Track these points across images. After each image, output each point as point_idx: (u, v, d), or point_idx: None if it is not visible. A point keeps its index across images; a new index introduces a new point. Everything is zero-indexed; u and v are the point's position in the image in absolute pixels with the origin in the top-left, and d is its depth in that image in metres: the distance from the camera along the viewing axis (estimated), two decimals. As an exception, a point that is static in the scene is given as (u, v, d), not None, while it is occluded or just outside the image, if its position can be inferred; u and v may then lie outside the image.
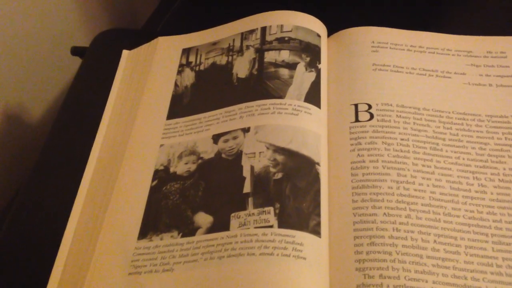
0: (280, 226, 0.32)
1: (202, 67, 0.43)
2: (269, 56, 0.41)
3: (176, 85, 0.42)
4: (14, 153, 0.55)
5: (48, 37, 0.56)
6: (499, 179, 0.35)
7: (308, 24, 0.42)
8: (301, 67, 0.40)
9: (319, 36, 0.42)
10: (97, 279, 0.33)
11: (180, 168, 0.37)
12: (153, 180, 0.37)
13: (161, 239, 0.34)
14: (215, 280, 0.31)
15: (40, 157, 0.42)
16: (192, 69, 0.43)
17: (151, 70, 0.44)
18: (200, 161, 0.37)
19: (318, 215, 0.33)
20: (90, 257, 0.34)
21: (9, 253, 0.36)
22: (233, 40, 0.43)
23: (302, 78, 0.39)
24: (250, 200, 0.34)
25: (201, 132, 0.39)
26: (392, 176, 0.35)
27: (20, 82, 0.54)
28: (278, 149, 0.36)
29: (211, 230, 0.33)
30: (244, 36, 0.43)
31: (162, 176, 0.37)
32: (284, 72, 0.40)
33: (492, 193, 0.34)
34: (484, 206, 0.34)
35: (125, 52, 0.46)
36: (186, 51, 0.44)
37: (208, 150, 0.37)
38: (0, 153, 0.53)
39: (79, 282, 0.33)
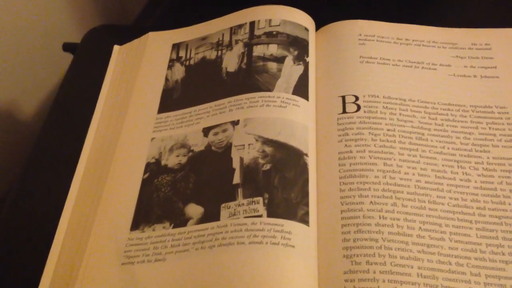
0: (269, 215, 0.33)
1: (192, 62, 0.44)
2: (258, 50, 0.42)
3: (166, 79, 0.43)
4: (6, 149, 0.55)
5: (39, 33, 0.56)
6: (483, 168, 0.36)
7: (296, 18, 0.43)
8: (289, 60, 0.41)
9: (307, 30, 0.43)
10: (91, 270, 0.33)
11: (171, 161, 0.38)
12: (144, 173, 0.37)
13: (153, 230, 0.34)
14: (206, 269, 0.31)
15: (32, 153, 0.42)
16: (182, 63, 0.44)
17: (142, 65, 0.44)
18: (190, 153, 0.38)
19: (306, 204, 0.34)
20: (83, 249, 0.34)
21: (3, 247, 0.37)
22: (222, 34, 0.44)
23: (290, 71, 0.40)
24: (240, 191, 0.34)
25: (191, 126, 0.39)
26: (379, 166, 0.35)
27: (12, 78, 0.54)
28: (267, 141, 0.36)
29: (202, 220, 0.34)
30: (233, 30, 0.44)
31: (154, 169, 0.37)
32: (272, 65, 0.41)
33: (476, 181, 0.35)
34: (468, 194, 0.35)
35: (116, 48, 0.46)
36: (176, 46, 0.45)
37: (199, 143, 0.38)
38: (-7, 150, 0.53)
39: (73, 272, 0.33)
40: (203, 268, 0.32)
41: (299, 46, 0.42)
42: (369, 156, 0.36)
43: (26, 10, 0.54)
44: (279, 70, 0.40)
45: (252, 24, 0.43)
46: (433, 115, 0.39)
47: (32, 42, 0.55)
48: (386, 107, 0.39)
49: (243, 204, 0.33)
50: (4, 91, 0.54)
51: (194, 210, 0.34)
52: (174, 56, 0.44)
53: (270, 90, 0.39)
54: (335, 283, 0.31)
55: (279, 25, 0.42)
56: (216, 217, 0.33)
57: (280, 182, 0.34)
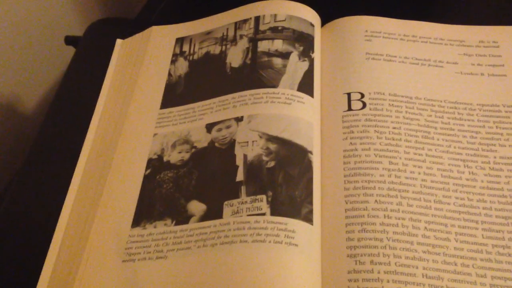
0: (273, 213, 0.32)
1: (195, 57, 0.43)
2: (263, 46, 0.41)
3: (169, 74, 0.42)
4: (7, 143, 0.55)
5: (41, 26, 0.56)
6: (489, 167, 0.35)
7: (302, 13, 0.42)
8: (294, 56, 0.40)
9: (312, 25, 0.42)
10: (91, 267, 0.33)
11: (174, 157, 0.37)
12: (146, 169, 0.37)
13: (155, 227, 0.34)
14: (208, 267, 0.31)
15: (33, 147, 0.42)
16: (185, 58, 0.43)
17: (145, 60, 0.44)
18: (193, 150, 0.37)
19: (310, 203, 0.33)
20: (84, 245, 0.34)
21: (2, 241, 0.37)
22: (227, 29, 0.43)
23: (295, 67, 0.40)
24: (243, 188, 0.34)
25: (194, 121, 0.39)
26: (384, 164, 0.35)
27: (14, 72, 0.54)
28: (271, 138, 0.36)
29: (204, 218, 0.33)
30: (238, 25, 0.43)
31: (156, 165, 0.37)
32: (277, 61, 0.40)
33: (482, 181, 0.35)
34: (474, 194, 0.34)
35: (118, 41, 0.46)
36: (180, 41, 0.45)
37: (202, 139, 0.37)
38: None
39: (73, 269, 0.33)
40: (204, 266, 0.31)
41: (304, 41, 0.41)
42: (374, 154, 0.36)
43: (28, 2, 0.53)
44: (284, 66, 0.40)
45: (257, 19, 0.43)
46: (439, 114, 0.38)
47: (34, 35, 0.55)
48: (392, 104, 0.38)
49: (246, 202, 0.33)
50: (6, 84, 0.53)
51: (196, 207, 0.34)
52: (177, 51, 0.44)
53: (274, 86, 0.38)
54: (338, 282, 0.31)
55: (284, 20, 0.42)
56: (219, 215, 0.33)
57: (284, 179, 0.34)
